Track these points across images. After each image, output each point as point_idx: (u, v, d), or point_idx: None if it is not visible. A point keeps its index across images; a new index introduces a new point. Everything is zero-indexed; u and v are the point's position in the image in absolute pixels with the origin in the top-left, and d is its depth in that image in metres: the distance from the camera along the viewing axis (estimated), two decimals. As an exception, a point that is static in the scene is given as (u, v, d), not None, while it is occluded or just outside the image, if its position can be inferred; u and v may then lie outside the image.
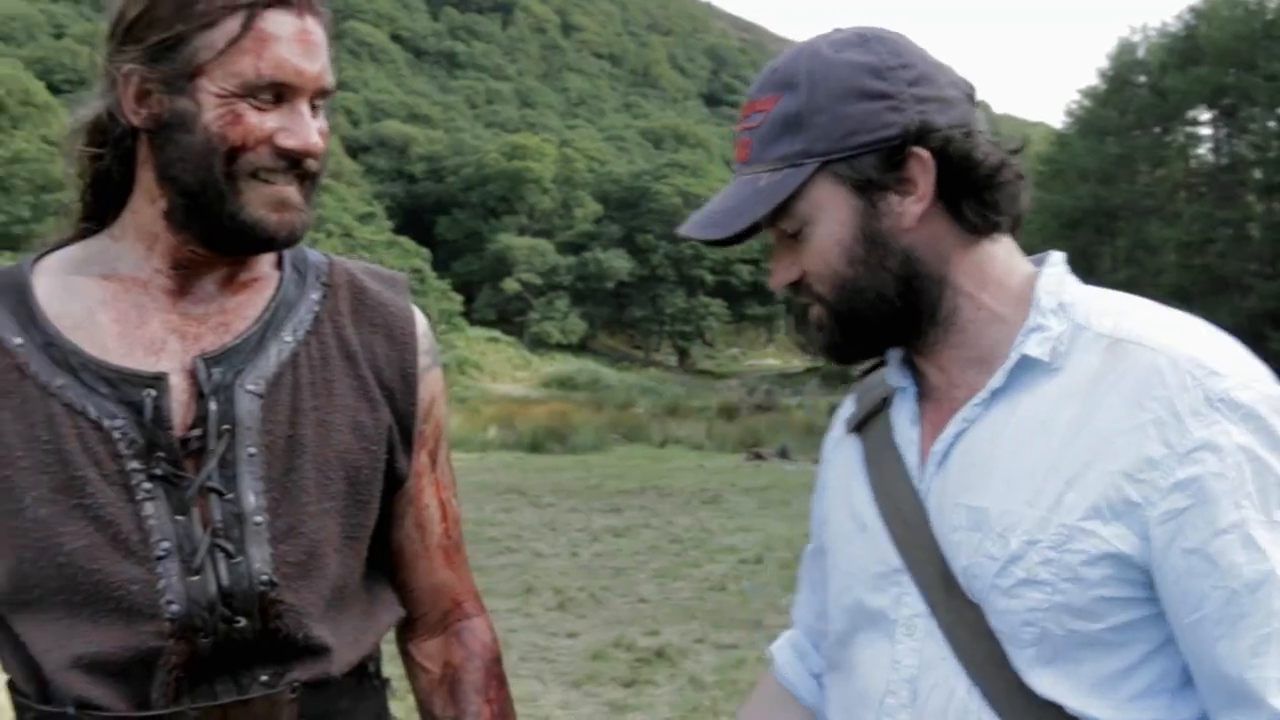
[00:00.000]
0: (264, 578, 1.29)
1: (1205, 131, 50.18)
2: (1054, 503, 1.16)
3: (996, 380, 1.23)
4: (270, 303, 1.38)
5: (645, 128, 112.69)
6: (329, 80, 1.31)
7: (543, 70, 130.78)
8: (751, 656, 6.70)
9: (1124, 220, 46.99)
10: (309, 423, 1.34)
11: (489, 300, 75.95)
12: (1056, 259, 1.29)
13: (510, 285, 75.19)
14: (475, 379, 57.66)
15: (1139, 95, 49.49)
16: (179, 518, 1.27)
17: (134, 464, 1.26)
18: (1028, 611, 1.17)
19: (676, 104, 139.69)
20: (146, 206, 1.33)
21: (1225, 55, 43.60)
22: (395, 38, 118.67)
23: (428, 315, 1.52)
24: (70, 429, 1.26)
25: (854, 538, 1.34)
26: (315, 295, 1.41)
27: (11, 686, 1.32)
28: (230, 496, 1.29)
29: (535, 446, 23.26)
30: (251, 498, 1.29)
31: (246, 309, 1.37)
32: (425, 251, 70.01)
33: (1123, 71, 50.68)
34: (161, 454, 1.27)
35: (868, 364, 1.43)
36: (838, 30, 1.28)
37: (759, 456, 21.11)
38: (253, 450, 1.30)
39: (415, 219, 79.88)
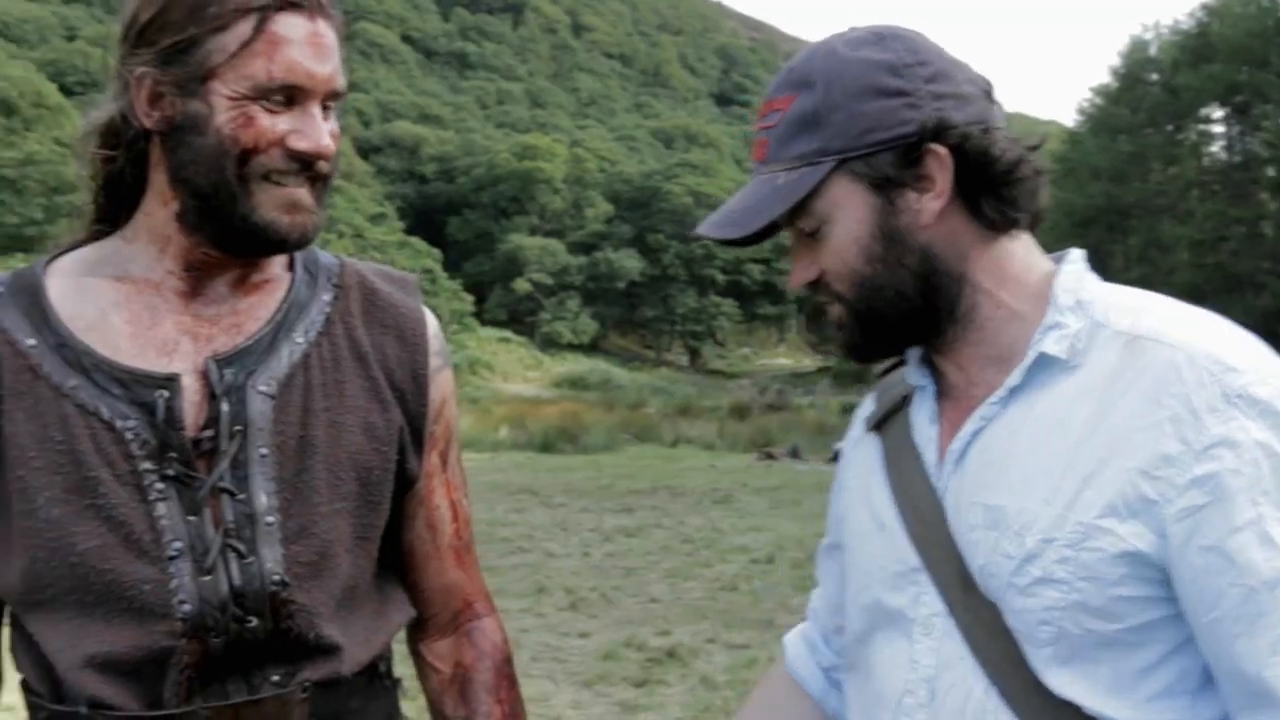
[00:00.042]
0: (275, 578, 1.29)
1: (1218, 129, 50.03)
2: (1071, 501, 1.16)
3: (1014, 378, 1.22)
4: (282, 304, 1.38)
5: (656, 127, 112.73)
6: (340, 83, 1.32)
7: (553, 70, 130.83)
8: (763, 656, 6.70)
9: (1136, 219, 46.85)
10: (320, 423, 1.34)
11: (500, 300, 76.05)
12: (1075, 256, 1.28)
13: (521, 285, 75.25)
14: (487, 379, 57.74)
15: (1151, 93, 49.35)
16: (191, 518, 1.27)
17: (146, 464, 1.27)
18: (1044, 610, 1.16)
19: (687, 104, 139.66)
20: (159, 209, 1.33)
21: (1238, 52, 43.44)
22: (406, 38, 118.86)
23: (439, 316, 1.53)
24: (83, 430, 1.26)
25: (873, 536, 1.34)
26: (326, 296, 1.41)
27: (25, 686, 1.33)
28: (242, 497, 1.29)
29: (547, 446, 23.28)
30: (263, 498, 1.30)
31: (258, 310, 1.37)
32: (436, 252, 70.14)
33: (1135, 69, 50.53)
34: (174, 454, 1.28)
35: (887, 363, 1.42)
36: (854, 29, 1.27)
37: (770, 456, 21.10)
38: (264, 451, 1.31)
39: (426, 219, 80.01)
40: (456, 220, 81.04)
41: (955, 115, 1.20)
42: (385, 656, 1.45)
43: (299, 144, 1.28)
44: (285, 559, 1.30)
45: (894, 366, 1.42)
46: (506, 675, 1.54)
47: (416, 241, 69.97)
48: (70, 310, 1.32)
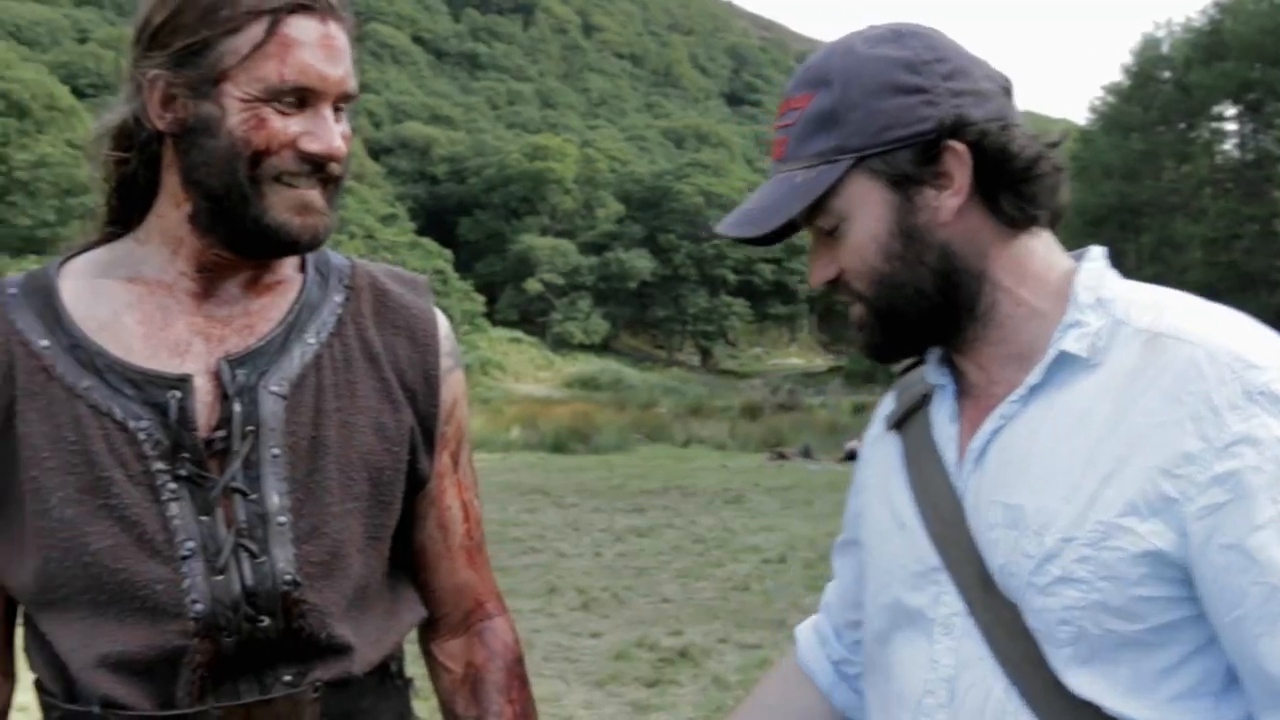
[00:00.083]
0: (287, 577, 1.29)
1: (1231, 127, 49.90)
2: (1090, 499, 1.15)
3: (1034, 376, 1.22)
4: (294, 305, 1.39)
5: (667, 127, 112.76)
6: (352, 85, 1.32)
7: (564, 71, 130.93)
8: (775, 656, 6.69)
9: (1149, 217, 46.74)
10: (332, 424, 1.35)
11: (511, 301, 76.15)
12: (1096, 254, 1.27)
13: (532, 286, 75.36)
14: (498, 379, 57.81)
15: (1163, 91, 49.21)
16: (203, 518, 1.28)
17: (159, 465, 1.27)
18: (1064, 610, 1.15)
19: (698, 103, 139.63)
20: (171, 210, 1.34)
21: (1251, 50, 43.30)
22: (417, 39, 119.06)
23: (450, 316, 1.53)
24: (96, 430, 1.27)
25: (893, 536, 1.33)
26: (338, 298, 1.42)
27: (39, 685, 1.34)
28: (254, 497, 1.30)
29: (558, 447, 23.30)
30: (275, 498, 1.30)
31: (270, 311, 1.38)
32: (447, 252, 70.25)
33: (1147, 67, 50.41)
34: (186, 455, 1.28)
35: (906, 362, 1.42)
36: (872, 27, 1.27)
37: (782, 456, 21.10)
38: (276, 451, 1.31)
39: (437, 220, 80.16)
40: (467, 221, 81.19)
41: (974, 112, 1.20)
42: (397, 656, 1.45)
43: (311, 146, 1.28)
44: (297, 559, 1.30)
45: (913, 365, 1.41)
46: (518, 675, 1.54)
47: (428, 242, 70.08)
48: (83, 311, 1.32)
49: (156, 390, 1.29)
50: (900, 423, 1.38)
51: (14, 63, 53.49)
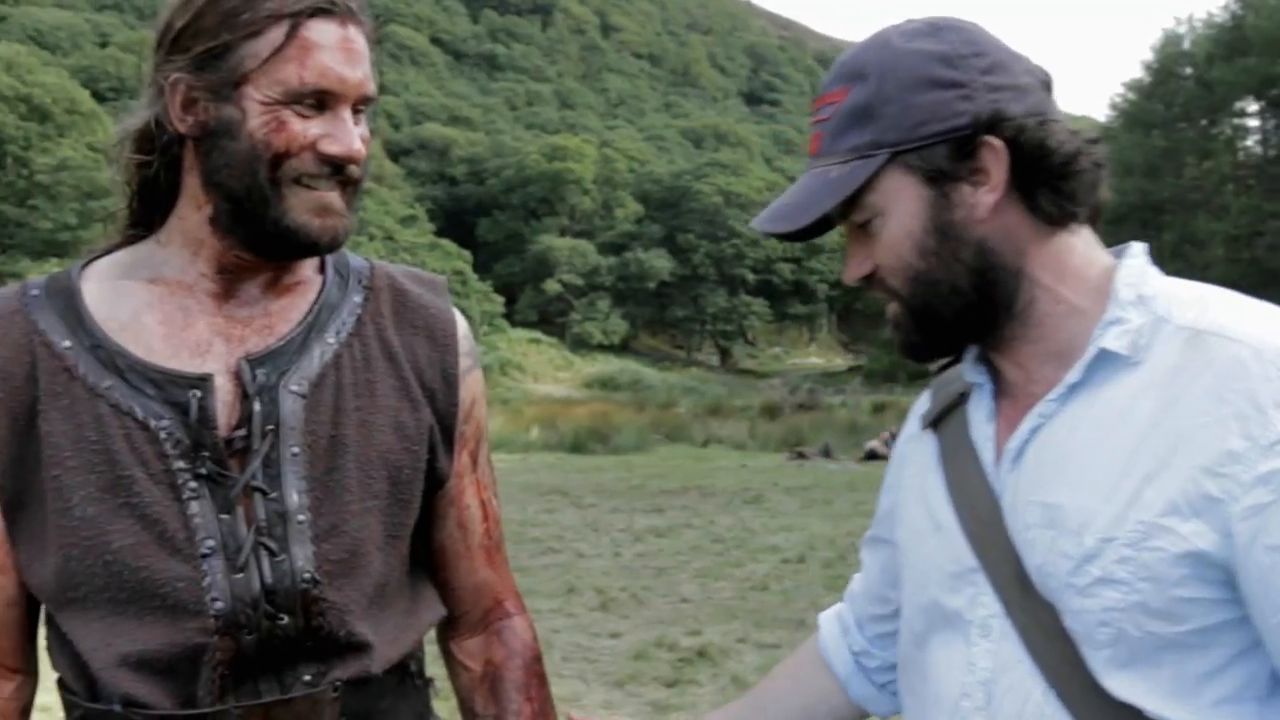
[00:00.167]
0: (306, 575, 1.30)
1: (1253, 123, 49.61)
2: (1131, 499, 1.12)
3: (1073, 375, 1.19)
4: (313, 306, 1.40)
5: (685, 127, 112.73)
6: (371, 88, 1.33)
7: (582, 71, 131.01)
8: (795, 656, 6.68)
9: (1170, 214, 46.50)
10: (351, 423, 1.35)
11: (530, 301, 76.28)
12: (1137, 250, 1.25)
13: (551, 286, 75.44)
14: (517, 380, 57.90)
15: (1185, 87, 48.97)
16: (223, 516, 1.29)
17: (180, 463, 1.29)
18: (1103, 611, 1.13)
19: (716, 103, 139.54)
20: (192, 212, 1.35)
21: (1273, 45, 43.01)
22: (435, 41, 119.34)
23: (469, 317, 1.54)
24: (117, 429, 1.28)
25: (929, 536, 1.31)
26: (357, 298, 1.43)
27: (61, 684, 1.35)
28: (274, 495, 1.30)
29: (577, 447, 23.31)
30: (295, 496, 1.31)
31: (290, 312, 1.39)
32: (467, 253, 70.43)
33: (1168, 63, 50.16)
34: (207, 453, 1.29)
35: (943, 361, 1.39)
36: (910, 20, 1.25)
37: (802, 456, 21.06)
38: (296, 450, 1.32)
39: (457, 221, 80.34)
40: (486, 222, 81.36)
41: (1011, 107, 1.18)
42: (416, 656, 1.46)
43: (330, 148, 1.29)
44: (316, 557, 1.31)
45: (950, 364, 1.39)
46: (536, 673, 1.55)
47: (447, 243, 70.27)
48: (105, 312, 1.34)
49: (177, 389, 1.30)
50: (936, 422, 1.36)
51: (35, 67, 53.84)
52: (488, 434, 1.55)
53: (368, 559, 1.35)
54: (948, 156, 1.19)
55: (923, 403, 1.43)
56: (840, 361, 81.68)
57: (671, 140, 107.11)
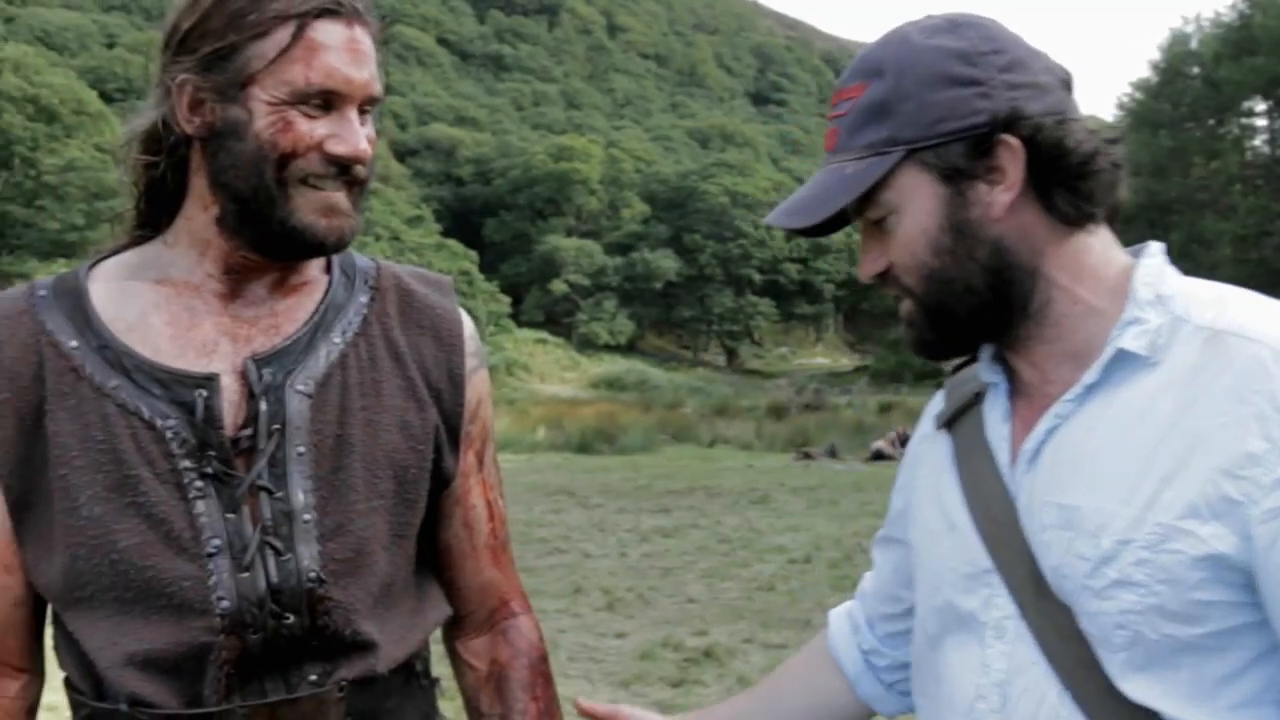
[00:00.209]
0: (312, 575, 1.31)
1: (1261, 123, 49.54)
2: (1149, 501, 1.11)
3: (1091, 375, 1.18)
4: (319, 306, 1.40)
5: (692, 127, 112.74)
6: (377, 88, 1.33)
7: (589, 71, 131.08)
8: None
9: (1178, 214, 46.43)
10: (357, 422, 1.36)
11: (537, 302, 76.31)
12: (1155, 249, 1.24)
13: (558, 286, 75.47)
14: (524, 380, 57.93)
15: (1192, 87, 48.91)
16: (229, 515, 1.29)
17: (186, 463, 1.29)
18: (1120, 614, 1.12)
19: (723, 103, 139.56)
20: (199, 213, 1.35)
21: (1280, 45, 42.91)
22: (442, 41, 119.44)
23: (476, 317, 1.54)
24: (124, 429, 1.29)
25: (942, 537, 1.31)
26: (363, 298, 1.43)
27: (68, 683, 1.35)
28: (280, 495, 1.31)
29: (584, 447, 23.31)
30: (300, 496, 1.31)
31: (296, 312, 1.39)
32: (473, 254, 70.44)
33: (1175, 63, 50.10)
34: (213, 453, 1.29)
35: (957, 360, 1.39)
36: (929, 16, 1.24)
37: (808, 456, 21.04)
38: (302, 449, 1.32)
39: (463, 221, 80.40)
40: (493, 222, 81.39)
41: (1030, 105, 1.17)
42: (422, 656, 1.46)
43: (336, 148, 1.30)
44: (322, 556, 1.31)
45: (965, 364, 1.38)
46: (542, 673, 1.55)
47: (453, 244, 70.32)
48: (112, 312, 1.34)
49: (183, 389, 1.30)
50: (950, 422, 1.35)
51: (42, 68, 53.95)
52: (494, 434, 1.55)
53: (373, 558, 1.35)
54: (964, 154, 1.18)
55: (937, 403, 1.42)
56: (847, 362, 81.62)
57: (678, 140, 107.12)
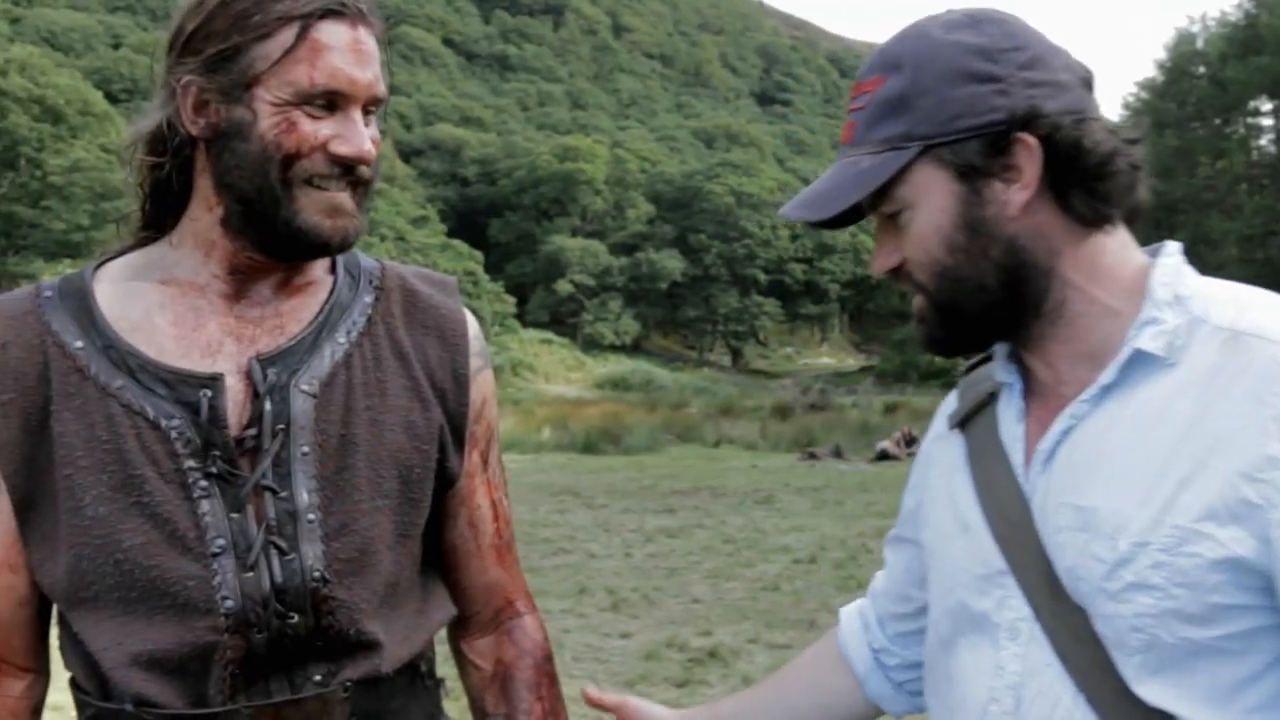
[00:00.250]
0: (316, 574, 1.31)
1: (1267, 122, 49.49)
2: (1167, 503, 1.10)
3: (1107, 375, 1.17)
4: (324, 306, 1.40)
5: (697, 127, 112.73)
6: (381, 89, 1.34)
7: (594, 72, 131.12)
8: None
9: (1183, 214, 46.38)
10: (362, 422, 1.36)
11: (542, 302, 76.33)
12: (1172, 249, 1.23)
13: (563, 287, 75.48)
14: (529, 380, 57.94)
15: (1198, 86, 48.86)
16: (234, 515, 1.29)
17: (190, 462, 1.29)
18: (1136, 617, 1.11)
19: (728, 103, 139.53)
20: (204, 214, 1.36)
21: (1286, 45, 42.83)
22: (447, 42, 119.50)
23: (481, 318, 1.55)
24: (129, 429, 1.29)
25: (955, 538, 1.30)
26: (368, 298, 1.43)
27: (73, 684, 1.36)
28: (284, 494, 1.31)
29: (589, 447, 23.31)
30: (305, 495, 1.32)
31: (301, 312, 1.39)
32: (478, 254, 70.47)
33: (1181, 62, 50.04)
34: (217, 453, 1.30)
35: (973, 359, 1.38)
36: (950, 11, 1.23)
37: (813, 456, 21.04)
38: (306, 449, 1.33)
39: (468, 222, 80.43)
40: (498, 222, 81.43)
41: (1048, 104, 1.16)
42: (427, 656, 1.46)
43: (341, 149, 1.30)
44: (326, 555, 1.32)
45: (979, 363, 1.38)
46: (547, 673, 1.55)
47: (459, 244, 70.33)
48: (117, 313, 1.34)
49: (188, 389, 1.30)
50: (964, 421, 1.34)
51: (48, 68, 54.04)
52: (499, 434, 1.56)
53: (378, 558, 1.35)
54: (981, 152, 1.17)
55: (950, 402, 1.41)
56: (852, 362, 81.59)
57: (683, 140, 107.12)
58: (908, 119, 1.18)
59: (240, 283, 1.37)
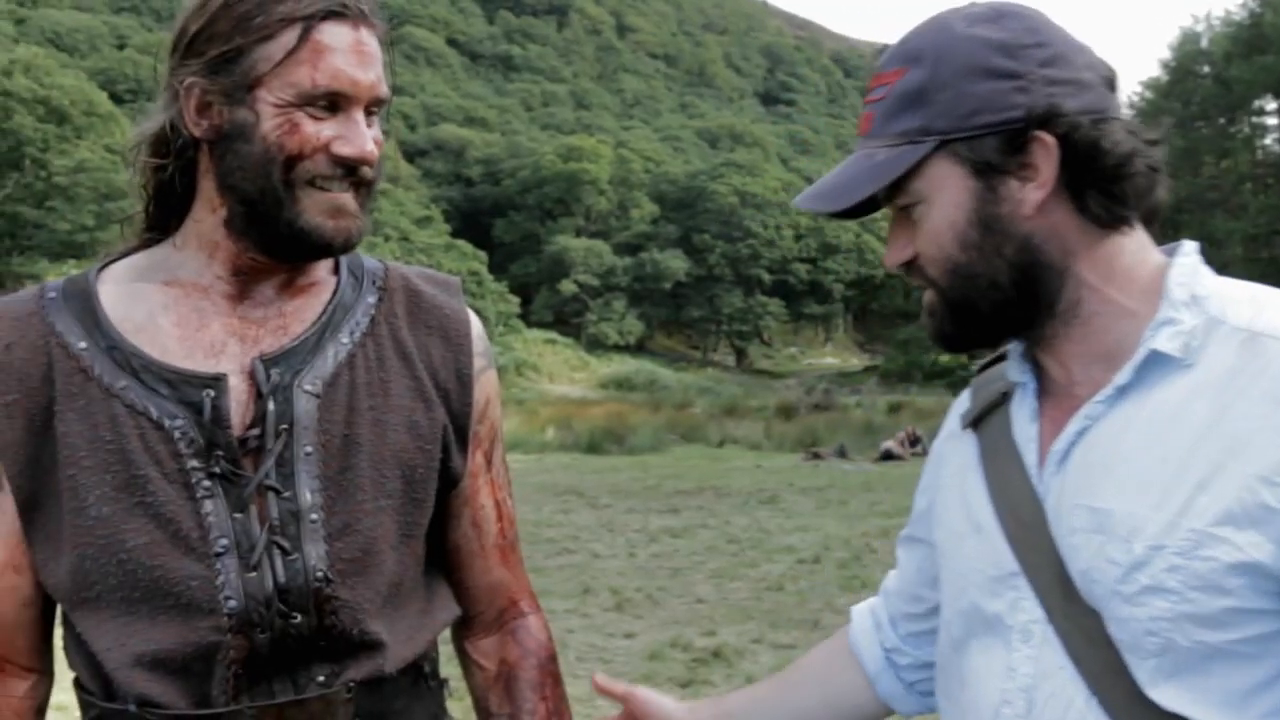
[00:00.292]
0: (319, 574, 1.31)
1: (1272, 121, 49.40)
2: (1183, 507, 1.09)
3: (1123, 376, 1.16)
4: (327, 306, 1.41)
5: (701, 127, 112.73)
6: (383, 90, 1.34)
7: (598, 72, 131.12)
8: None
9: (1188, 214, 46.30)
10: (365, 422, 1.36)
11: (546, 302, 76.34)
12: (1189, 249, 1.22)
13: (567, 287, 75.49)
14: (533, 380, 57.94)
15: (1203, 86, 48.79)
16: (237, 515, 1.30)
17: (194, 463, 1.29)
18: (1151, 621, 1.10)
19: (732, 103, 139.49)
20: (208, 215, 1.36)
21: (1291, 44, 42.78)
22: (451, 42, 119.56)
23: (485, 318, 1.55)
24: (132, 429, 1.29)
25: (968, 538, 1.29)
26: (371, 299, 1.44)
27: (77, 684, 1.36)
28: (287, 494, 1.31)
29: (593, 447, 23.30)
30: (308, 495, 1.32)
31: (304, 312, 1.40)
32: (482, 254, 70.51)
33: (1185, 62, 49.98)
34: (220, 453, 1.30)
35: (986, 358, 1.37)
36: (973, 4, 1.22)
37: (817, 456, 21.02)
38: (309, 449, 1.33)
39: (472, 222, 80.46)
40: (502, 222, 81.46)
41: (1067, 103, 1.15)
42: (430, 656, 1.46)
43: (343, 149, 1.30)
44: (329, 555, 1.32)
45: (992, 362, 1.37)
46: (551, 673, 1.56)
47: (463, 244, 70.37)
48: (121, 314, 1.35)
49: (191, 389, 1.31)
50: (977, 421, 1.33)
51: (53, 69, 54.08)
52: (502, 434, 1.56)
53: (381, 558, 1.36)
54: (998, 149, 1.16)
55: (962, 401, 1.39)
56: (856, 361, 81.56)
57: (687, 140, 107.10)
58: (926, 113, 1.17)
59: (244, 284, 1.37)
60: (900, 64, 1.20)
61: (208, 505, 1.29)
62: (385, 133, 1.38)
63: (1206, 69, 49.42)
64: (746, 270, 79.49)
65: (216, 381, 1.31)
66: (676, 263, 77.78)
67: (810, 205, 1.24)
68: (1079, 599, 1.16)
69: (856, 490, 15.27)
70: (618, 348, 74.26)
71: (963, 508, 1.31)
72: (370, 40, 1.32)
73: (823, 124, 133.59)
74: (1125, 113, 1.20)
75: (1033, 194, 1.17)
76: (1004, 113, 1.15)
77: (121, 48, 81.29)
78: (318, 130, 1.29)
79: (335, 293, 1.42)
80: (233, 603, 1.28)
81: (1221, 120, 48.84)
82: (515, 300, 69.05)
